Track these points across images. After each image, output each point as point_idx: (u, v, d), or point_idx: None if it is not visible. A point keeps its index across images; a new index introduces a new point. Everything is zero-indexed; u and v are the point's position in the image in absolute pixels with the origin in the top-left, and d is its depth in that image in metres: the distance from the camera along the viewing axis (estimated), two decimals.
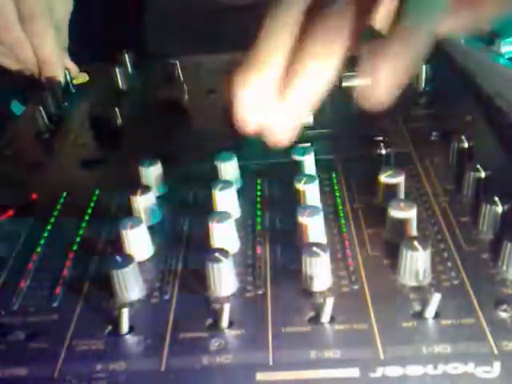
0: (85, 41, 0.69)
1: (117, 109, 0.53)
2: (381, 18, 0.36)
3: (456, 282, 0.34)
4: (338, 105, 0.51)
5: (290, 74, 0.34)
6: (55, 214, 0.42)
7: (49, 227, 0.41)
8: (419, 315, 0.32)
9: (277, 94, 0.35)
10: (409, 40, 0.33)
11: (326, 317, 0.32)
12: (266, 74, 0.34)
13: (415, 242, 0.33)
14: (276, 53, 0.34)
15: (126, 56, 0.63)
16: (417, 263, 0.33)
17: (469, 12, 0.36)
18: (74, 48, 0.66)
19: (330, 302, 0.32)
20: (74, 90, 0.61)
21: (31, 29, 0.60)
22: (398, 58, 0.32)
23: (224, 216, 0.36)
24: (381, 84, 0.33)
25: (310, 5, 0.35)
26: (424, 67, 0.54)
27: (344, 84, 0.49)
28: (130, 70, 0.63)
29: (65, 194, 0.44)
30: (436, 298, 0.31)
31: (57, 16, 0.65)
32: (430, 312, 0.32)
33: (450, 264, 0.35)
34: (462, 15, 0.36)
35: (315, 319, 0.32)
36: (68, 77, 0.61)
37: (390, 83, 0.33)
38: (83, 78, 0.63)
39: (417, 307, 0.32)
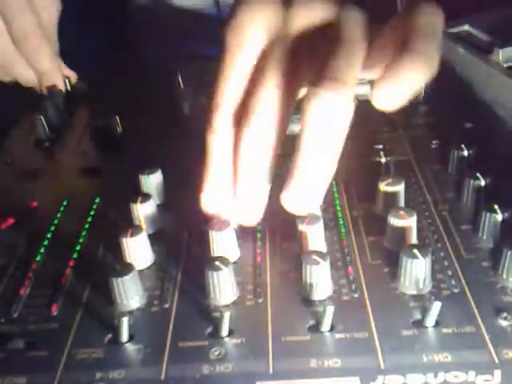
0: (83, 47, 0.69)
1: (117, 117, 0.53)
2: None
3: (456, 291, 0.34)
4: None
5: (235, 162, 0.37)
6: (55, 222, 0.42)
7: (49, 235, 0.41)
8: (419, 323, 0.32)
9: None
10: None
11: (326, 325, 0.32)
12: (216, 173, 0.38)
13: (415, 250, 0.33)
14: (219, 156, 0.38)
15: (126, 64, 0.63)
16: (417, 271, 0.33)
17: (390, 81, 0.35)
18: (72, 55, 0.66)
19: (330, 311, 0.32)
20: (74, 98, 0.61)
21: (26, 47, 0.60)
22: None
23: (224, 224, 0.36)
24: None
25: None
26: None
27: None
28: (129, 77, 0.63)
29: (65, 202, 0.44)
30: (436, 307, 0.31)
31: (47, 24, 0.66)
32: (430, 320, 0.32)
33: (450, 272, 0.35)
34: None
35: (315, 328, 0.32)
36: (68, 85, 0.61)
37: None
38: (82, 85, 0.63)
39: (417, 315, 0.32)
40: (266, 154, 0.37)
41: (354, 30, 0.36)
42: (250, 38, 0.38)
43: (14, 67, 0.61)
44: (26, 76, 0.62)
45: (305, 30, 0.37)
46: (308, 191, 0.35)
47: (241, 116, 0.37)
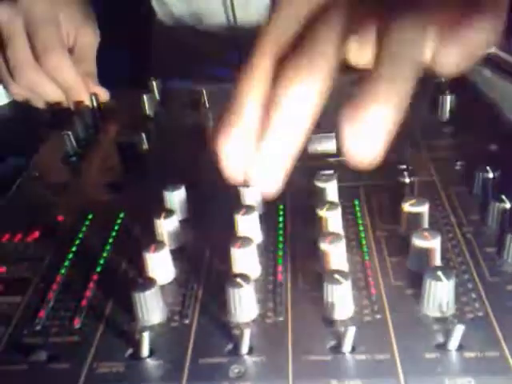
0: (109, 68, 0.70)
1: (143, 134, 0.53)
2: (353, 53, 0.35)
3: (480, 314, 0.33)
4: None
5: (270, 111, 0.32)
6: (80, 235, 0.43)
7: (73, 249, 0.41)
8: (442, 347, 0.31)
9: (258, 139, 0.33)
10: (395, 78, 0.30)
11: (347, 346, 0.32)
12: (244, 122, 0.34)
13: (439, 272, 0.33)
14: (253, 97, 0.33)
15: (154, 83, 0.64)
16: (440, 294, 0.33)
17: (458, 44, 0.33)
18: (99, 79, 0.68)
19: (351, 331, 0.31)
20: (101, 115, 0.62)
21: (47, 64, 0.62)
22: (385, 98, 0.30)
23: (246, 241, 0.37)
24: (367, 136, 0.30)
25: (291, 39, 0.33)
26: (448, 97, 0.54)
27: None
28: (157, 96, 0.64)
29: (90, 217, 0.45)
30: (459, 330, 0.31)
31: (81, 47, 0.68)
32: (453, 344, 0.31)
33: (473, 295, 0.35)
34: (452, 49, 0.33)
35: (336, 348, 0.32)
36: (95, 102, 0.62)
37: (378, 134, 0.30)
38: (111, 103, 0.64)
39: (440, 338, 0.32)
40: (312, 107, 0.32)
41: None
42: None
43: (38, 84, 0.63)
44: (52, 94, 0.63)
45: None
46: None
47: (288, 56, 0.33)
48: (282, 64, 0.33)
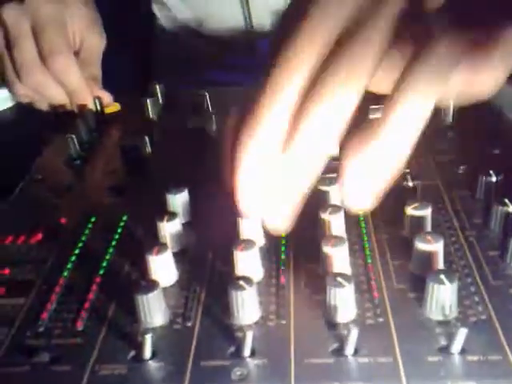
0: (110, 73, 0.71)
1: (146, 137, 0.54)
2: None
3: (483, 317, 0.33)
4: None
5: (304, 108, 0.30)
6: (83, 238, 0.43)
7: (76, 251, 0.41)
8: (445, 350, 0.31)
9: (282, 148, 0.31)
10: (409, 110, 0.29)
11: (349, 349, 0.32)
12: (267, 138, 0.31)
13: (442, 276, 0.33)
14: (280, 108, 0.31)
15: (157, 87, 0.64)
16: (443, 297, 0.33)
17: (465, 78, 0.33)
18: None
19: (354, 334, 0.31)
20: (104, 119, 0.63)
21: (53, 66, 0.62)
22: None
23: (248, 244, 0.37)
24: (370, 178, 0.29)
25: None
26: (451, 100, 0.54)
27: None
28: (160, 100, 0.64)
29: (93, 219, 0.45)
30: (462, 333, 0.31)
31: (87, 50, 0.68)
32: (455, 347, 0.31)
33: (476, 298, 0.35)
34: (457, 82, 0.33)
35: (339, 351, 0.32)
36: (98, 105, 0.63)
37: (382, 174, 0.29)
38: (115, 107, 0.65)
39: (442, 342, 0.32)
40: (343, 118, 0.30)
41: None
42: None
43: (43, 86, 0.63)
44: (57, 96, 0.63)
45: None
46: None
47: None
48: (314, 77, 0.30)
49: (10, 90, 0.66)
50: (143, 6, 0.91)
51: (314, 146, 0.31)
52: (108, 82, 0.68)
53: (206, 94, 0.61)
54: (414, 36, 0.31)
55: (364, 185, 0.30)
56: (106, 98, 0.64)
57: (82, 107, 0.62)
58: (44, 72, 0.62)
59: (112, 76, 0.69)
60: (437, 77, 0.30)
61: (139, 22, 0.93)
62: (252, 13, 0.81)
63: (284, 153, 0.31)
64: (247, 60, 0.77)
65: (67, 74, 0.62)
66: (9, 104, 0.69)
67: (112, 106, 0.65)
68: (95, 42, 0.70)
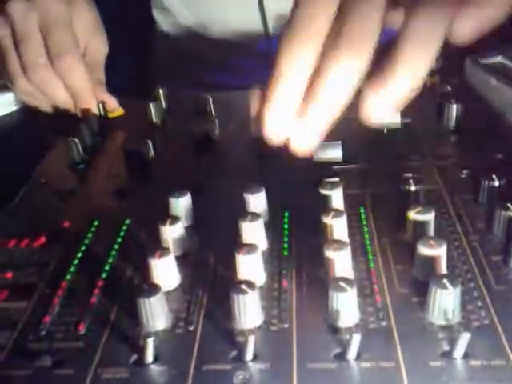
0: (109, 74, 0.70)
1: (149, 141, 0.54)
2: None
3: (486, 322, 0.33)
4: (367, 140, 0.51)
5: (319, 75, 0.35)
6: (86, 242, 0.43)
7: (79, 255, 0.42)
8: (447, 355, 0.31)
9: (303, 101, 0.36)
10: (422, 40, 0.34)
11: (352, 353, 0.31)
12: (291, 85, 0.36)
13: (444, 280, 0.33)
14: (301, 61, 0.36)
15: (160, 91, 0.64)
16: (446, 301, 0.33)
17: (471, 12, 0.36)
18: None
19: (356, 339, 0.31)
20: (108, 123, 0.63)
21: (60, 65, 0.62)
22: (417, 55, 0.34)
23: (251, 248, 0.37)
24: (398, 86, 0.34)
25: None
26: (454, 106, 0.54)
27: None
28: (163, 104, 0.64)
29: (96, 223, 0.45)
30: (465, 338, 0.31)
31: (91, 55, 0.68)
32: (458, 352, 0.31)
33: (479, 303, 0.34)
34: (465, 23, 0.36)
35: (341, 355, 0.32)
36: (102, 109, 0.63)
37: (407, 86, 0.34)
38: (118, 111, 0.65)
39: (445, 346, 0.32)
40: (358, 77, 0.35)
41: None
42: None
43: (46, 85, 0.63)
44: (61, 96, 0.63)
45: None
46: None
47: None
48: (330, 37, 0.35)
49: (13, 85, 0.65)
50: (144, 10, 0.91)
51: (340, 82, 0.35)
52: (109, 85, 0.68)
53: (209, 97, 0.61)
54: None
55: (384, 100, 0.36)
56: (111, 102, 0.64)
57: (86, 111, 0.62)
58: (50, 70, 0.62)
59: (112, 79, 0.70)
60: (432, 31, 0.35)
61: (139, 26, 0.94)
62: (267, 16, 0.80)
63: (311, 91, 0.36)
64: (251, 62, 0.77)
65: (73, 75, 0.62)
66: (12, 108, 0.70)
67: (116, 111, 0.65)
68: (99, 47, 0.70)
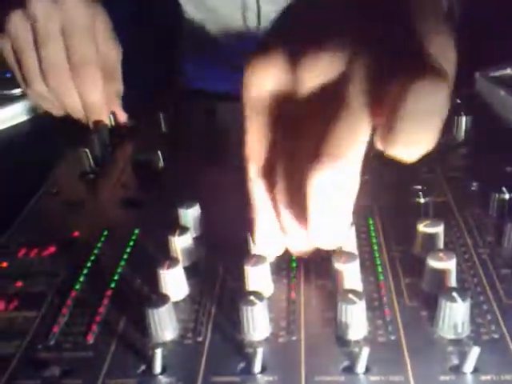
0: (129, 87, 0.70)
1: (159, 152, 0.54)
2: None
3: (496, 336, 0.33)
4: (376, 151, 0.51)
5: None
6: (95, 251, 0.43)
7: (88, 264, 0.42)
8: (457, 369, 0.31)
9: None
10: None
11: (361, 367, 0.31)
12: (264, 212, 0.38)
13: (454, 294, 0.33)
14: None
15: (171, 101, 0.65)
16: (455, 315, 0.33)
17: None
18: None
19: (365, 352, 0.31)
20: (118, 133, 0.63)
21: (80, 75, 0.62)
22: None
23: (260, 259, 0.37)
24: None
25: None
26: (464, 118, 0.54)
27: None
28: (173, 114, 0.64)
29: (105, 233, 0.45)
30: (475, 352, 0.30)
31: (109, 63, 0.67)
32: (468, 366, 0.31)
33: (489, 317, 0.34)
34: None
35: (350, 369, 0.32)
36: (112, 121, 0.63)
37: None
38: (128, 122, 0.65)
39: (455, 361, 0.32)
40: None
41: (356, 93, 0.33)
42: (261, 100, 0.38)
43: (63, 93, 0.62)
44: (73, 103, 0.63)
45: (314, 92, 0.36)
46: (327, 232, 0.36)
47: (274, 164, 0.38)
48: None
49: (28, 87, 0.64)
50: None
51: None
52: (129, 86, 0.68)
53: (219, 108, 0.62)
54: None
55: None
56: (121, 117, 0.64)
57: (97, 122, 0.63)
58: (69, 77, 0.61)
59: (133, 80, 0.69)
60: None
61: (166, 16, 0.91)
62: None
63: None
64: None
65: (90, 88, 0.62)
66: (24, 117, 0.70)
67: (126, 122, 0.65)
68: (116, 53, 0.68)
